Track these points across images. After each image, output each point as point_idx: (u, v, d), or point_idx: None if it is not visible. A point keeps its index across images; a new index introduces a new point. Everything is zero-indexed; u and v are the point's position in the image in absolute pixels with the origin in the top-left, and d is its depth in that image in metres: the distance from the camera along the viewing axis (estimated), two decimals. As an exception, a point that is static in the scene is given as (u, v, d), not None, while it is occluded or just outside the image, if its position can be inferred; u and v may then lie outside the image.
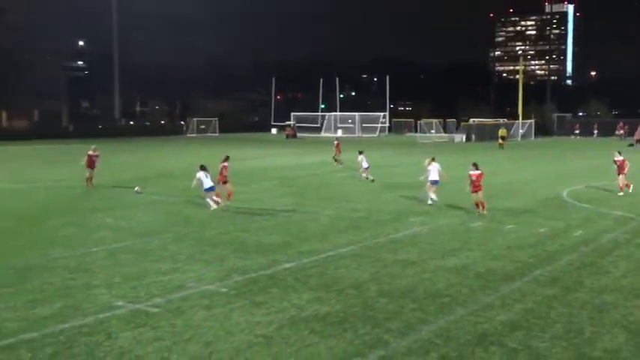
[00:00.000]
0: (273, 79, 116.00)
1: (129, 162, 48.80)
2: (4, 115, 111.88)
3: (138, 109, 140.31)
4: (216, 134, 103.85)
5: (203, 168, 25.05)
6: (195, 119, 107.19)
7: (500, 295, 13.49)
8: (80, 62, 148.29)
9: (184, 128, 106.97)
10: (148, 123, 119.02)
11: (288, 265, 15.98)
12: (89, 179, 31.78)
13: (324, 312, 12.41)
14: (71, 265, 15.96)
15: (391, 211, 24.57)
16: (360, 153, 35.47)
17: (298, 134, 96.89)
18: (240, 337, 11.02)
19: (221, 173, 25.97)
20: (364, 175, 34.97)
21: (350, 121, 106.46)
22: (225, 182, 25.95)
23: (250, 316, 12.11)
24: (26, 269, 15.63)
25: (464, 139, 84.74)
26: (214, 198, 25.00)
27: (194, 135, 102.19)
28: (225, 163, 26.46)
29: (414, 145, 74.52)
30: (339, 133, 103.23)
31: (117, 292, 13.64)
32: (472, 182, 23.58)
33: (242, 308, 12.59)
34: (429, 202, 25.69)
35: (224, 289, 13.88)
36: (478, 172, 23.59)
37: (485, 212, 23.30)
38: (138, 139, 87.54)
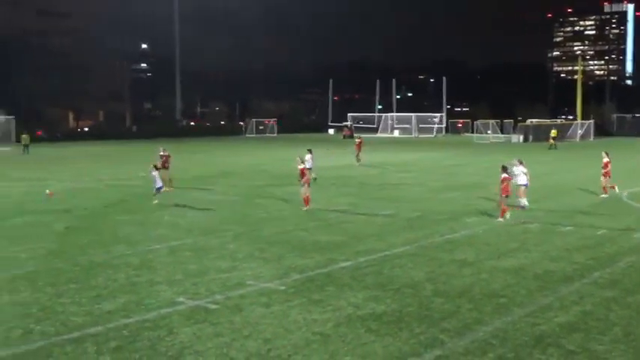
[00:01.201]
0: (331, 80, 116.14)
1: (189, 162, 49.40)
2: (71, 116, 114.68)
3: (198, 110, 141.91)
4: (275, 135, 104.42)
5: (156, 168, 26.42)
6: (254, 120, 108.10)
7: (558, 297, 13.25)
8: (143, 65, 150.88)
9: (243, 129, 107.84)
10: (208, 124, 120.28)
11: (344, 264, 15.97)
12: (168, 181, 29.94)
13: (380, 311, 12.37)
14: (134, 262, 16.23)
15: (448, 212, 24.36)
16: (309, 152, 33.84)
17: (355, 134, 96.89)
18: (297, 335, 11.06)
19: (301, 175, 24.97)
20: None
21: (393, 121, 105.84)
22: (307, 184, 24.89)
23: (308, 314, 12.14)
24: (91, 266, 15.96)
25: (521, 140, 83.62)
26: (164, 190, 26.43)
27: (253, 135, 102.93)
28: (301, 165, 25.20)
29: (471, 146, 73.78)
30: (396, 133, 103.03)
31: (178, 289, 13.82)
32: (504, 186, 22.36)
33: (300, 306, 12.63)
34: (523, 206, 24.35)
35: (282, 287, 13.94)
36: (505, 175, 22.50)
37: (503, 219, 22.17)
38: (199, 140, 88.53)
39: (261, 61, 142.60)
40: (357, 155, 45.01)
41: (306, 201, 24.62)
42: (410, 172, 41.02)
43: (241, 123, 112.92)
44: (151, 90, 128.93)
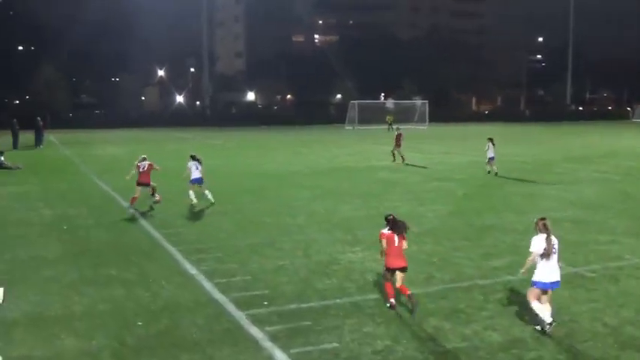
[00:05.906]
0: None
1: (578, 143, 46.96)
2: (473, 100, 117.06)
3: (587, 96, 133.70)
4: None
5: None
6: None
7: None
8: (538, 56, 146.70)
9: (630, 114, 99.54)
10: (595, 109, 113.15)
11: None
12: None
13: None
14: (520, 228, 16.00)
15: None
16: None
17: None
18: (673, 311, 9.95)
19: None
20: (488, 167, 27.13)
21: None
22: None
23: (685, 293, 10.82)
24: (482, 227, 16.16)
25: None
26: None
27: (639, 120, 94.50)
28: None
29: None
30: None
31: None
32: None
33: (677, 284, 11.31)
34: None
35: (659, 264, 12.63)
36: None
37: None
38: (586, 123, 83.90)
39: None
40: (394, 149, 32.14)
41: None
42: None
43: (629, 108, 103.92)
44: (544, 78, 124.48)
